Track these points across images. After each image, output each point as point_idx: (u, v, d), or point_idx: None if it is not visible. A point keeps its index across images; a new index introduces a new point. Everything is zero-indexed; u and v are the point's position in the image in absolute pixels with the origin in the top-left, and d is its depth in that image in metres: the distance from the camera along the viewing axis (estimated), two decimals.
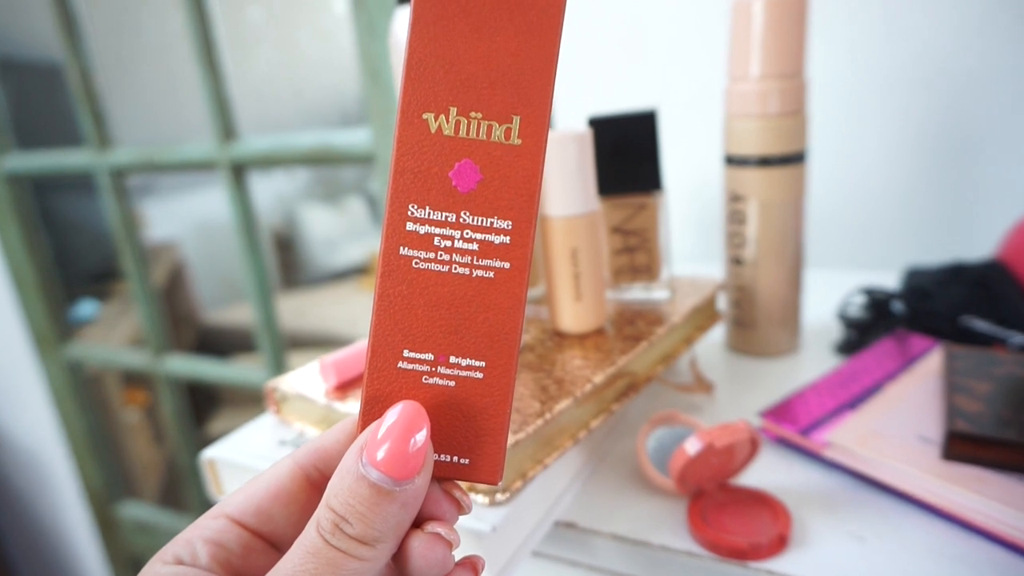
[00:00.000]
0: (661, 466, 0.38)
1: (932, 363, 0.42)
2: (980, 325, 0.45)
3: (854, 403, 0.39)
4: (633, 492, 0.37)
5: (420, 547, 0.19)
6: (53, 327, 1.22)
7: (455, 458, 0.21)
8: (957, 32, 0.60)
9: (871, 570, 0.30)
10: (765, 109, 0.46)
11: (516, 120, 0.19)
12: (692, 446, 0.33)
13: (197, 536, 0.20)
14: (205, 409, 1.99)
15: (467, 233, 0.20)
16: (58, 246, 1.24)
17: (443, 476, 0.21)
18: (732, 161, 0.48)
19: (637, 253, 0.46)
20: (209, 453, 0.40)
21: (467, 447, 0.21)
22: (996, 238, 0.60)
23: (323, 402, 0.37)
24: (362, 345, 0.40)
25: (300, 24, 2.70)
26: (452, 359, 0.20)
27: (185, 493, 1.23)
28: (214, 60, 0.89)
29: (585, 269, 0.40)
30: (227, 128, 0.92)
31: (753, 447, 0.34)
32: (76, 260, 1.87)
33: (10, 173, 1.12)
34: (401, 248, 0.20)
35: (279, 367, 1.03)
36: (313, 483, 0.22)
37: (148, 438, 1.69)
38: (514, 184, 0.20)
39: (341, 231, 2.92)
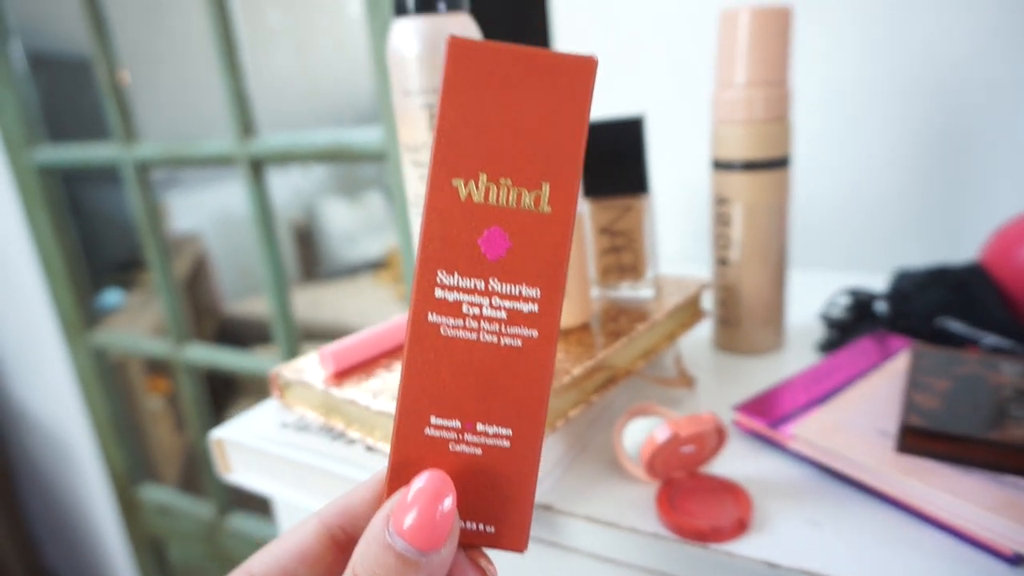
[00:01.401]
0: (636, 455, 0.40)
1: (902, 362, 0.44)
2: (955, 326, 0.47)
3: (824, 399, 0.41)
4: (610, 479, 0.39)
5: None
6: (80, 314, 1.27)
7: (481, 526, 0.21)
8: (943, 39, 0.61)
9: (824, 553, 0.32)
10: (750, 115, 0.47)
11: (545, 187, 0.20)
12: (660, 434, 0.35)
13: None
14: (224, 397, 2.04)
15: (495, 300, 0.20)
16: (85, 236, 1.29)
17: (468, 543, 0.21)
18: (718, 165, 0.50)
19: (623, 253, 0.48)
20: (217, 434, 0.43)
21: (493, 515, 0.21)
22: (982, 240, 0.61)
23: (321, 388, 0.40)
24: (360, 336, 0.43)
25: (316, 26, 2.75)
26: (479, 426, 0.20)
27: (204, 478, 1.27)
28: (235, 59, 0.93)
29: (570, 268, 0.42)
30: (246, 125, 0.95)
31: (720, 437, 0.37)
32: (102, 250, 1.92)
33: (41, 165, 1.17)
34: (429, 315, 0.20)
35: (293, 358, 1.06)
36: (339, 543, 0.22)
37: (170, 425, 1.75)
38: (542, 252, 0.20)
39: (360, 225, 2.96)
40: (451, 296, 0.20)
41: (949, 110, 0.63)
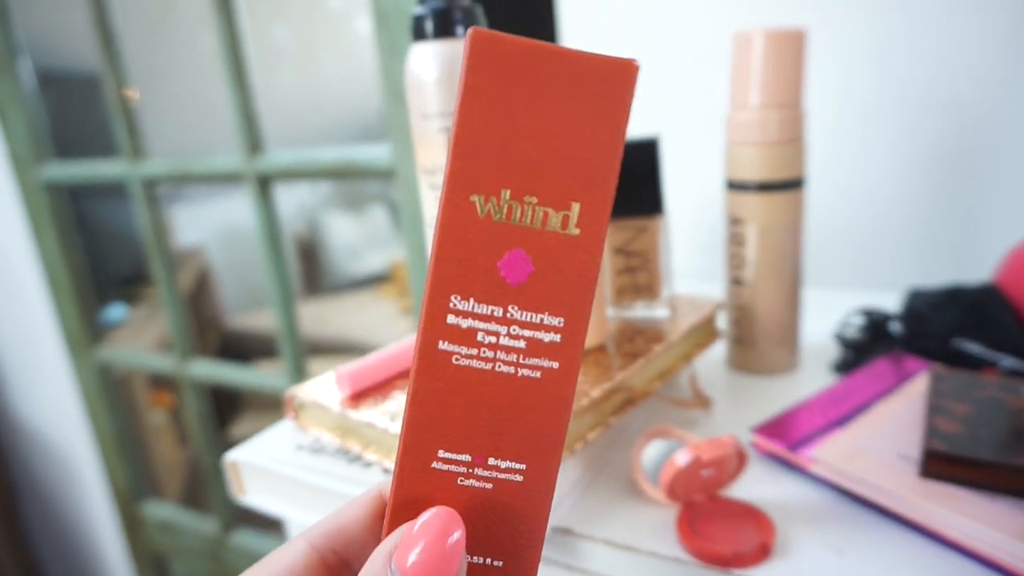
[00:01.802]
0: (655, 477, 0.40)
1: (920, 385, 0.44)
2: (972, 348, 0.47)
3: (843, 421, 0.41)
4: (628, 502, 0.39)
5: None
6: (85, 330, 1.27)
7: (489, 560, 0.20)
8: (957, 57, 0.61)
9: None
10: (764, 137, 0.48)
11: (575, 207, 0.18)
12: (681, 458, 0.35)
13: None
14: (227, 412, 2.03)
15: (514, 329, 0.18)
16: (90, 251, 1.29)
17: None
18: (733, 186, 0.50)
19: (639, 273, 0.48)
20: (232, 456, 0.43)
21: (501, 549, 0.20)
22: (996, 260, 0.61)
23: (338, 410, 0.40)
24: (377, 356, 0.43)
25: (324, 43, 2.77)
26: (491, 461, 0.19)
27: (207, 494, 1.27)
28: (243, 77, 0.93)
29: None
30: (254, 142, 0.96)
31: (740, 461, 0.36)
32: (106, 264, 1.92)
33: (48, 182, 1.17)
34: (440, 342, 0.18)
35: (299, 373, 1.06)
36: (329, 566, 0.20)
37: (173, 440, 1.74)
38: (568, 278, 0.18)
39: (363, 239, 2.96)
40: (465, 323, 0.18)
41: (962, 130, 0.63)
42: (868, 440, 0.38)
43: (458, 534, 0.18)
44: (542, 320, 0.18)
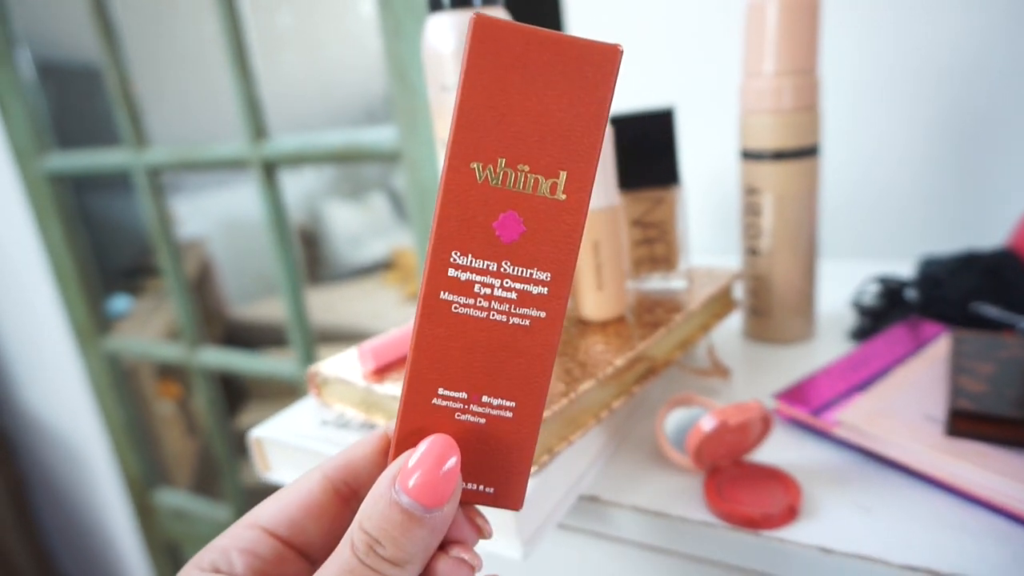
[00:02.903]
0: (679, 444, 0.40)
1: (940, 348, 0.44)
2: (990, 311, 0.47)
3: (864, 385, 0.41)
4: (653, 469, 0.39)
5: (445, 569, 0.21)
6: (92, 320, 1.27)
7: (481, 487, 0.22)
8: (970, 25, 0.61)
9: (876, 537, 0.32)
10: (779, 104, 0.47)
11: (563, 175, 0.20)
12: (707, 423, 0.35)
13: (232, 546, 0.21)
14: (234, 401, 2.04)
15: (507, 282, 0.20)
16: (94, 242, 1.28)
17: (468, 502, 0.22)
18: (747, 155, 0.50)
19: (656, 245, 0.48)
20: (256, 433, 0.43)
21: (493, 478, 0.22)
22: (1010, 227, 0.61)
23: (362, 385, 0.40)
24: (398, 332, 0.43)
25: (328, 27, 2.75)
26: (484, 398, 0.21)
27: (218, 481, 1.27)
28: (246, 63, 0.93)
29: (606, 260, 0.42)
30: (258, 128, 0.95)
31: (765, 425, 0.37)
32: (111, 256, 1.92)
33: (51, 173, 1.17)
34: (442, 292, 0.20)
35: (310, 360, 1.06)
36: (342, 496, 0.23)
37: (181, 429, 1.75)
38: (556, 238, 0.20)
39: (365, 227, 2.96)
40: (464, 276, 0.20)
41: (974, 96, 0.63)
42: (891, 403, 0.38)
43: (454, 459, 0.20)
44: (532, 275, 0.20)
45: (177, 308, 1.16)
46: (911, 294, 0.53)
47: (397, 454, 0.21)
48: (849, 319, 0.55)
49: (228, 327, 2.37)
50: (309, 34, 2.70)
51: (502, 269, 0.20)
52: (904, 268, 0.62)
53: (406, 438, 0.21)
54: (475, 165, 0.19)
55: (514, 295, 0.20)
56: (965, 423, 0.34)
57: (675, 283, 0.48)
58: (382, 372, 0.41)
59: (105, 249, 1.90)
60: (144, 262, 1.98)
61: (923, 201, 0.67)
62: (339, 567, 0.19)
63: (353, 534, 0.20)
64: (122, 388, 1.32)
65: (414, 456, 0.20)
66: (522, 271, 0.20)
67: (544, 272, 0.20)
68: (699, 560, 0.36)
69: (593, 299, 0.43)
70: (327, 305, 2.40)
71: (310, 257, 2.94)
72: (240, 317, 2.40)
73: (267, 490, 0.43)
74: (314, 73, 2.72)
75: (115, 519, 1.49)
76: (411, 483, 0.19)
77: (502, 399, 0.21)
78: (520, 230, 0.20)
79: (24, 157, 1.18)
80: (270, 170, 0.97)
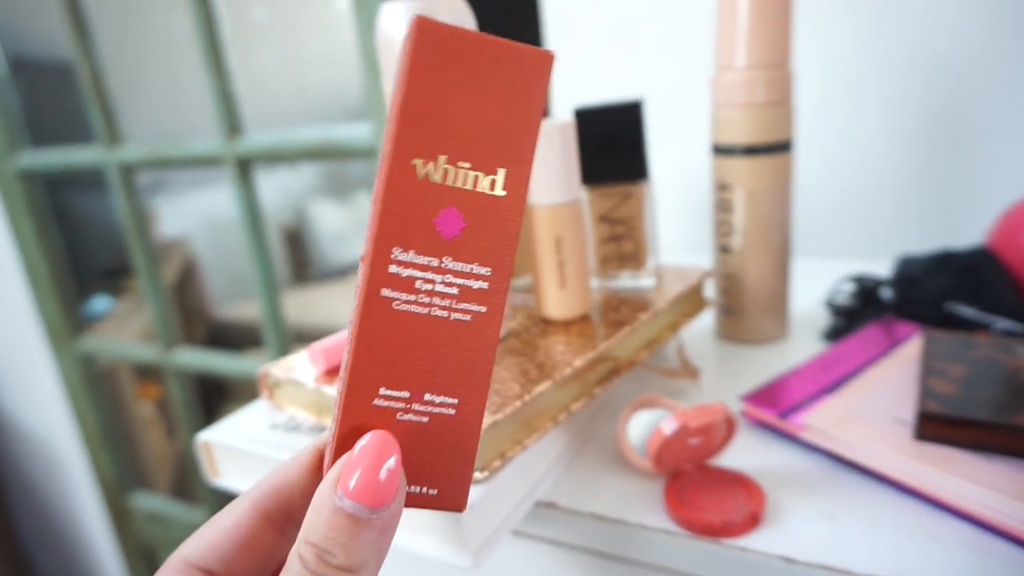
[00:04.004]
0: (642, 447, 0.39)
1: (913, 348, 0.42)
2: (965, 311, 0.46)
3: (834, 387, 0.40)
4: (614, 473, 0.38)
5: None
6: (66, 321, 1.24)
7: (424, 489, 0.22)
8: (949, 23, 0.60)
9: (840, 546, 0.31)
10: (751, 99, 0.46)
11: (501, 173, 0.20)
12: (668, 426, 0.33)
13: None
14: (215, 402, 2.01)
15: (448, 278, 0.20)
16: (72, 243, 1.26)
17: (412, 506, 0.22)
18: (719, 150, 0.48)
19: (624, 242, 0.46)
20: (204, 436, 0.41)
21: (435, 478, 0.22)
22: (987, 226, 0.60)
23: (313, 387, 0.38)
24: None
25: (303, 21, 2.72)
26: (427, 396, 0.21)
27: (196, 484, 1.25)
28: (220, 58, 0.91)
29: (569, 256, 0.41)
30: (233, 124, 0.94)
31: (729, 428, 0.35)
32: (90, 257, 1.90)
33: (23, 170, 1.15)
34: (383, 290, 0.20)
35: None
36: (275, 524, 0.22)
37: (161, 431, 1.72)
38: (495, 233, 0.20)
39: (350, 226, 2.94)
40: (405, 272, 0.20)
41: (951, 94, 0.62)
42: (860, 405, 0.37)
43: (395, 455, 0.19)
44: (472, 270, 0.21)
45: (152, 308, 1.13)
46: (886, 294, 0.52)
47: (336, 458, 0.20)
48: (823, 319, 0.54)
49: (212, 327, 2.35)
50: (284, 29, 2.67)
51: (443, 265, 0.20)
52: (880, 267, 0.61)
53: (345, 440, 0.20)
54: (416, 162, 0.19)
55: (455, 290, 0.20)
56: (933, 426, 0.33)
57: (644, 281, 0.47)
58: (333, 373, 0.39)
59: (86, 249, 1.87)
60: (125, 262, 1.95)
61: (899, 199, 0.66)
62: None
63: (300, 549, 0.19)
64: (97, 390, 1.30)
65: (351, 457, 0.19)
66: (463, 267, 0.20)
67: (484, 267, 0.21)
68: (658, 569, 0.34)
69: (556, 297, 0.41)
70: (313, 305, 2.37)
71: (296, 257, 2.91)
72: (224, 317, 2.37)
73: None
74: (290, 69, 2.69)
75: (91, 523, 1.46)
76: (351, 485, 0.19)
77: (444, 396, 0.21)
78: (461, 226, 0.20)
79: None
80: (245, 167, 0.95)
